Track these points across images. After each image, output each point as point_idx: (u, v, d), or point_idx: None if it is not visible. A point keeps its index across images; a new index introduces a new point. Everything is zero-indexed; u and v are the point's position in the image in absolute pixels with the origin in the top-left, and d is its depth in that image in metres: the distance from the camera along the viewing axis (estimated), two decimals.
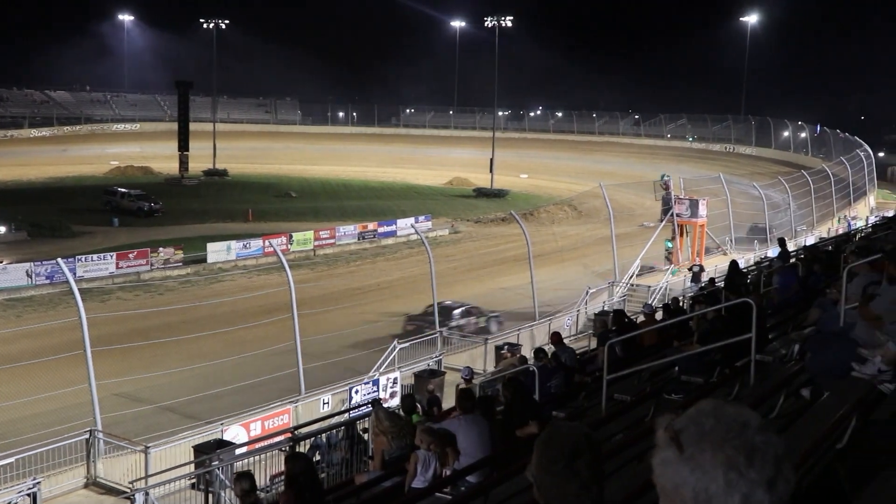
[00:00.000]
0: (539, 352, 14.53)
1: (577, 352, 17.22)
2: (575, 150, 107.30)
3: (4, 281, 35.97)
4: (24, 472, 14.03)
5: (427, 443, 9.05)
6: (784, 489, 1.73)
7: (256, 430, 17.34)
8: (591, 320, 28.51)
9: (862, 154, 60.52)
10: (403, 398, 13.06)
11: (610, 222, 34.37)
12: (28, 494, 12.77)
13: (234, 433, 16.77)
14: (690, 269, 33.36)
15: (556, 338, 16.04)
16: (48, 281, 36.53)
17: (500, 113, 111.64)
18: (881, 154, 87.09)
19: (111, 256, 40.38)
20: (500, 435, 10.00)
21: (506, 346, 23.51)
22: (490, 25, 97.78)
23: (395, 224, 54.80)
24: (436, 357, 22.54)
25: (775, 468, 1.73)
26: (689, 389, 10.57)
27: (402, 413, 11.70)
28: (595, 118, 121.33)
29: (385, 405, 13.67)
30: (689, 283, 31.65)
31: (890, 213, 45.07)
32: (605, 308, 29.81)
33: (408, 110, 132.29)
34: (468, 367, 16.00)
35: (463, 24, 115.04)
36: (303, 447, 13.73)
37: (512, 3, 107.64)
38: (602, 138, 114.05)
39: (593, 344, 23.06)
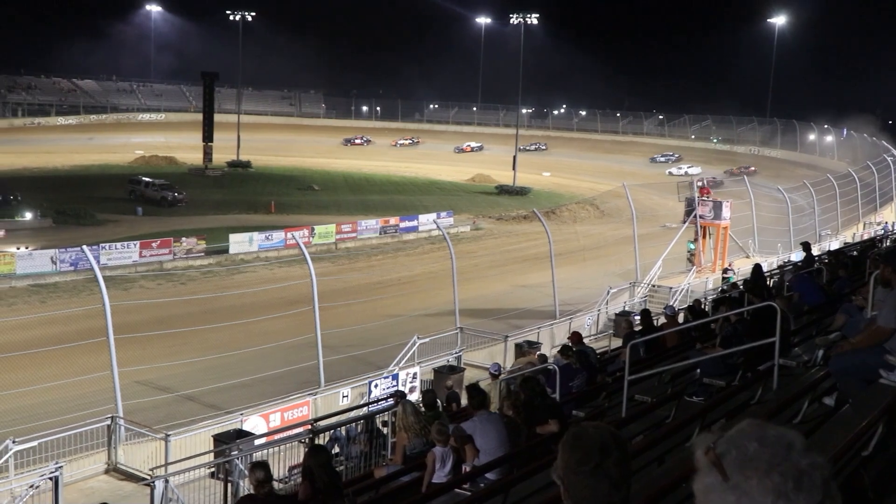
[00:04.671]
0: (565, 349, 14.47)
1: (598, 351, 17.17)
2: (598, 149, 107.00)
3: (30, 267, 36.29)
4: (46, 456, 14.16)
5: (443, 440, 9.06)
6: None
7: (276, 421, 17.41)
8: (612, 320, 28.41)
9: (889, 159, 59.89)
10: (425, 393, 13.08)
11: (632, 222, 34.23)
12: (50, 478, 12.87)
13: (254, 424, 16.84)
14: (724, 273, 33.07)
15: (576, 337, 16.00)
16: (72, 268, 36.81)
17: (524, 110, 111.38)
18: None
19: (135, 245, 40.65)
20: (519, 433, 10.00)
21: (525, 344, 23.48)
22: (515, 22, 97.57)
23: (417, 219, 54.85)
24: (455, 353, 22.53)
25: (823, 491, 1.69)
26: (711, 392, 10.51)
27: (423, 408, 11.71)
28: (619, 118, 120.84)
29: None
30: (721, 285, 31.33)
31: None
32: (626, 308, 29.70)
33: (431, 106, 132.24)
34: (497, 363, 15.98)
35: (488, 20, 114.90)
36: (322, 439, 13.76)
37: (538, 1, 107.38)
38: (626, 138, 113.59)
39: (613, 344, 23.01)
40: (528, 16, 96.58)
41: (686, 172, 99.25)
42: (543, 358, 17.42)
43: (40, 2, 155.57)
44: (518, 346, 23.44)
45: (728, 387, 10.40)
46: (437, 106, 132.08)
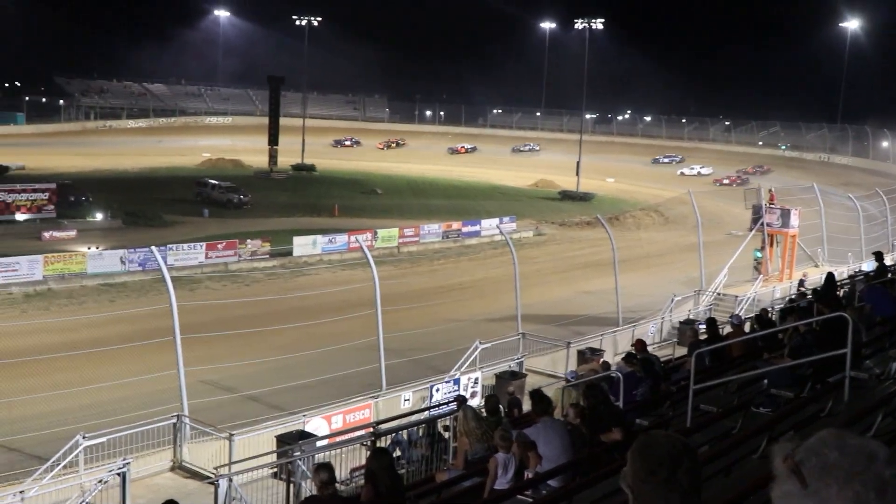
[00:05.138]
0: (629, 357, 14.33)
1: (661, 360, 16.96)
2: (663, 155, 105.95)
3: (100, 266, 37.10)
4: (114, 451, 14.42)
5: (506, 446, 9.02)
6: None
7: (338, 423, 17.52)
8: (676, 329, 28.06)
9: None
10: (487, 398, 13.03)
11: (697, 230, 33.79)
12: (118, 474, 13.13)
13: (316, 425, 16.96)
14: (801, 283, 32.38)
15: (640, 345, 15.82)
16: (140, 268, 37.55)
17: (588, 116, 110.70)
18: None
19: (201, 246, 41.30)
20: (582, 440, 9.93)
21: (588, 351, 23.31)
22: (580, 27, 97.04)
23: (480, 224, 54.86)
24: (517, 359, 22.45)
25: None
26: (779, 403, 10.32)
27: (485, 413, 11.68)
28: (684, 123, 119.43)
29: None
30: (791, 294, 30.69)
31: None
32: (691, 317, 29.31)
33: (495, 111, 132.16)
34: (573, 370, 15.88)
35: (553, 25, 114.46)
36: (383, 442, 13.82)
37: (603, 5, 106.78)
38: (691, 144, 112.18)
39: (678, 352, 22.73)
40: (594, 21, 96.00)
41: (699, 173, 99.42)
42: (606, 365, 17.25)
43: (113, 8, 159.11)
44: (581, 353, 23.28)
45: (797, 398, 10.21)
46: (500, 111, 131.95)
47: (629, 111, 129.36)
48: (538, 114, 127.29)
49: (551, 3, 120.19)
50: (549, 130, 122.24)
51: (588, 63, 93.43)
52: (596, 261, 40.06)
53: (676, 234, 52.02)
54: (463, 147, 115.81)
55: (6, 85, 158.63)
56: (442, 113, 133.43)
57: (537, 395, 10.36)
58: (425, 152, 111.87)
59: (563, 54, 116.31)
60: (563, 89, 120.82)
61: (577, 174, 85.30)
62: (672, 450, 2.53)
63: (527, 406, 15.65)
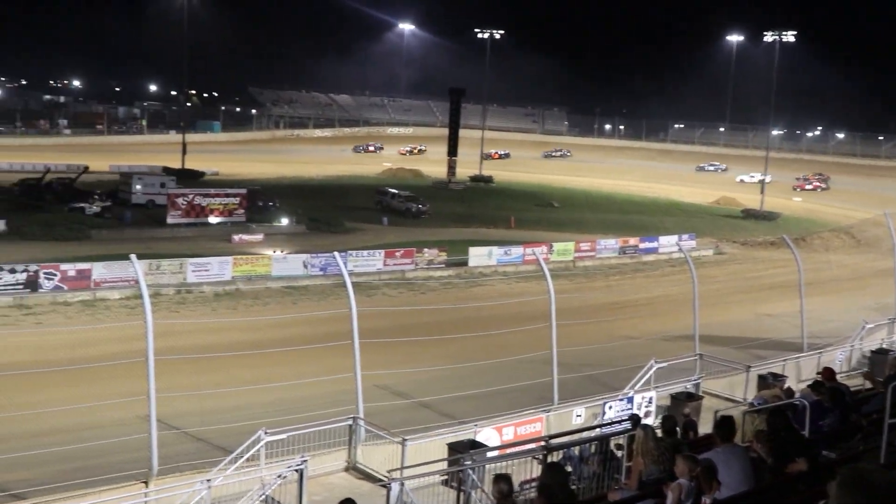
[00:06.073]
0: (817, 385, 13.63)
1: (851, 389, 16.03)
2: (856, 173, 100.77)
3: (284, 270, 38.64)
4: (292, 448, 14.89)
5: (688, 472, 8.71)
6: None
7: (509, 434, 17.46)
8: (868, 357, 26.48)
9: None
10: (664, 419, 12.69)
11: (893, 253, 31.85)
12: (296, 470, 13.54)
13: (487, 435, 16.96)
14: None
15: (828, 373, 15.01)
16: (321, 272, 38.87)
17: (775, 132, 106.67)
18: None
19: (380, 254, 42.32)
20: (764, 468, 9.50)
21: (769, 376, 22.34)
22: (770, 40, 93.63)
23: (658, 241, 53.80)
24: (694, 380, 21.78)
25: None
26: None
27: (661, 434, 11.37)
28: (881, 141, 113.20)
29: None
30: None
31: None
32: (884, 346, 27.61)
33: (676, 125, 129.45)
34: (762, 396, 15.26)
35: (740, 38, 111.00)
36: (554, 457, 13.67)
37: (794, 17, 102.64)
38: (888, 163, 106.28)
39: (868, 384, 21.44)
40: (784, 33, 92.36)
41: (761, 181, 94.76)
42: (790, 392, 16.48)
43: (303, 22, 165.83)
44: (761, 378, 22.32)
45: None
46: (682, 126, 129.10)
47: (819, 127, 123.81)
48: (721, 129, 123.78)
49: (739, 16, 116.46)
50: (732, 146, 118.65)
51: (777, 76, 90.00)
52: (779, 282, 38.52)
53: (869, 257, 49.38)
54: (496, 154, 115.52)
55: (205, 95, 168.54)
56: (622, 127, 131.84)
57: (726, 421, 9.98)
58: (603, 166, 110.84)
59: (749, 68, 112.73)
60: (749, 104, 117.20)
61: (762, 192, 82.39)
62: (888, 486, 2.36)
63: (702, 429, 15.15)
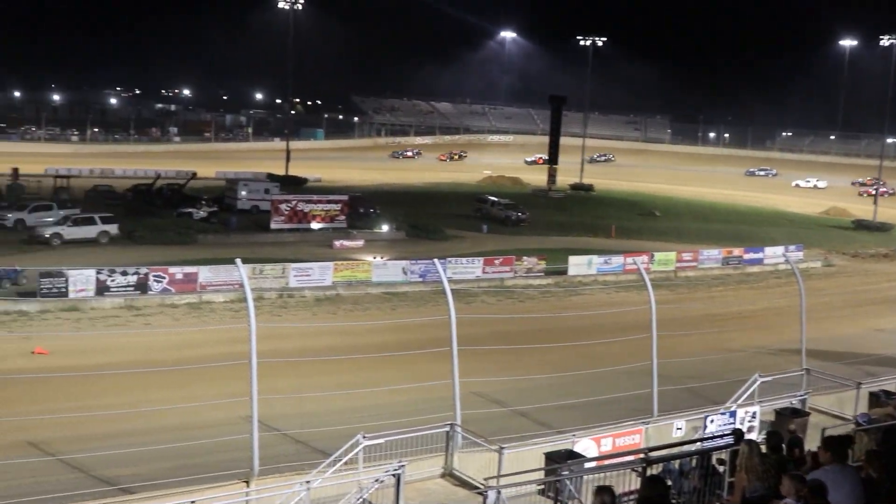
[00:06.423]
0: None
1: None
2: None
3: (383, 276, 39.01)
4: (389, 453, 14.96)
5: (795, 492, 8.42)
6: None
7: (607, 445, 17.23)
8: None
9: None
10: (769, 435, 12.31)
11: None
12: (393, 475, 13.60)
13: (585, 446, 16.77)
14: None
15: None
16: (420, 279, 39.11)
17: (890, 140, 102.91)
18: None
19: (479, 261, 42.36)
20: (878, 491, 9.12)
21: (882, 394, 21.51)
22: (887, 44, 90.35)
23: (763, 252, 52.48)
24: (800, 396, 21.12)
25: None
26: None
27: (766, 450, 11.03)
28: None
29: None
30: None
31: None
32: None
33: (783, 133, 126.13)
34: (866, 413, 14.73)
35: (854, 42, 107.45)
36: (653, 470, 13.41)
37: None
38: None
39: None
40: None
41: (815, 186, 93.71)
42: None
43: (405, 31, 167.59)
44: (873, 395, 21.50)
45: None
46: (790, 134, 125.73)
47: None
48: (832, 137, 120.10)
49: (853, 20, 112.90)
50: (843, 155, 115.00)
51: (894, 82, 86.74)
52: (892, 297, 37.12)
53: None
54: (540, 160, 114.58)
55: (308, 103, 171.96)
56: (727, 135, 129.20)
57: (838, 439, 9.62)
58: (708, 176, 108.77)
59: (864, 74, 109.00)
60: (862, 111, 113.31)
61: (875, 202, 79.59)
62: None
63: (809, 446, 14.65)
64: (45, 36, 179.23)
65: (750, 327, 33.83)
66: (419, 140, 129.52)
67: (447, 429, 16.33)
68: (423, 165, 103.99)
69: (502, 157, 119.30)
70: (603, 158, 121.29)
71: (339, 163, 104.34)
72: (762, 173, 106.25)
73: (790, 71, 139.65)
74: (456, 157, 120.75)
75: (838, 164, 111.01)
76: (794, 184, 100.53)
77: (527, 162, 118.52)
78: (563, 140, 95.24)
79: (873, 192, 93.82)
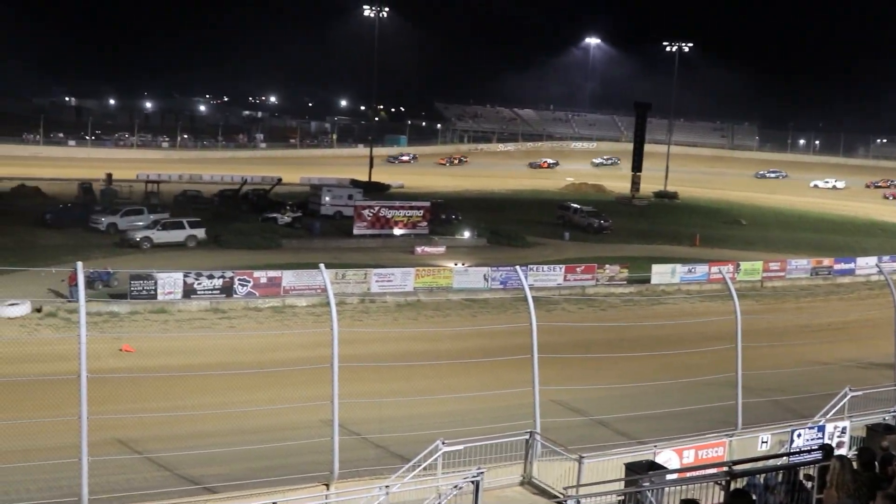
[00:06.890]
0: None
1: None
2: None
3: (464, 282, 39.04)
4: (468, 460, 14.94)
5: None
6: None
7: (689, 457, 16.92)
8: None
9: None
10: (861, 451, 11.94)
11: None
12: (472, 482, 13.56)
13: (667, 457, 16.50)
14: None
15: None
16: (501, 286, 39.04)
17: None
18: None
19: (560, 269, 42.08)
20: None
21: None
22: None
23: (855, 262, 50.99)
24: (893, 412, 20.44)
25: None
26: None
27: (857, 466, 10.70)
28: None
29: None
30: None
31: None
32: None
33: (878, 140, 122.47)
34: None
35: None
36: (737, 484, 13.11)
37: None
38: None
39: None
40: None
41: (834, 186, 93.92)
42: None
43: (489, 38, 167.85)
44: None
45: None
46: (885, 140, 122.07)
47: None
48: None
49: None
50: None
51: None
52: None
53: None
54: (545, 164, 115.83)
55: (392, 110, 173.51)
56: (817, 142, 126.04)
57: None
58: (798, 183, 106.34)
59: None
60: None
61: None
62: None
63: None
64: (138, 46, 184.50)
65: (840, 340, 32.88)
66: (501, 147, 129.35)
67: (527, 437, 16.25)
68: (505, 172, 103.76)
69: (586, 164, 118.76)
70: (609, 162, 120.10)
71: (421, 169, 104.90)
72: (772, 175, 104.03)
73: (886, 76, 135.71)
74: (456, 161, 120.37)
75: None
76: (812, 184, 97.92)
77: (594, 164, 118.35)
78: (648, 147, 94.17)
79: None
